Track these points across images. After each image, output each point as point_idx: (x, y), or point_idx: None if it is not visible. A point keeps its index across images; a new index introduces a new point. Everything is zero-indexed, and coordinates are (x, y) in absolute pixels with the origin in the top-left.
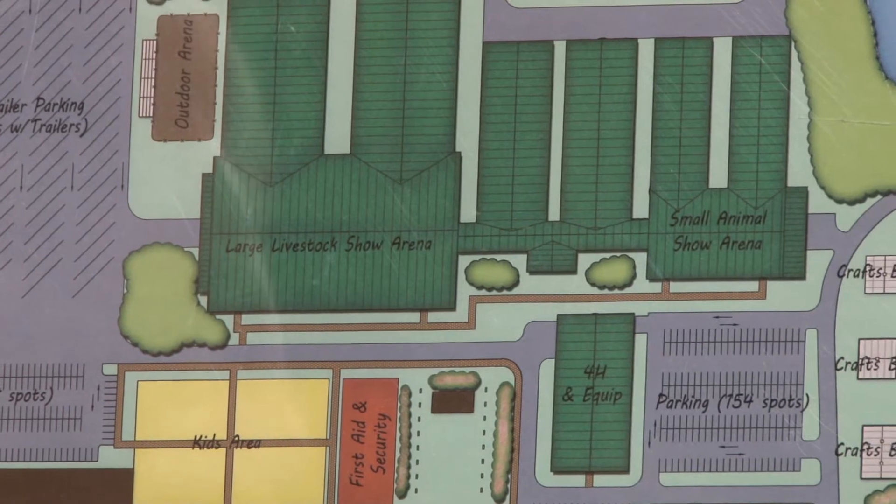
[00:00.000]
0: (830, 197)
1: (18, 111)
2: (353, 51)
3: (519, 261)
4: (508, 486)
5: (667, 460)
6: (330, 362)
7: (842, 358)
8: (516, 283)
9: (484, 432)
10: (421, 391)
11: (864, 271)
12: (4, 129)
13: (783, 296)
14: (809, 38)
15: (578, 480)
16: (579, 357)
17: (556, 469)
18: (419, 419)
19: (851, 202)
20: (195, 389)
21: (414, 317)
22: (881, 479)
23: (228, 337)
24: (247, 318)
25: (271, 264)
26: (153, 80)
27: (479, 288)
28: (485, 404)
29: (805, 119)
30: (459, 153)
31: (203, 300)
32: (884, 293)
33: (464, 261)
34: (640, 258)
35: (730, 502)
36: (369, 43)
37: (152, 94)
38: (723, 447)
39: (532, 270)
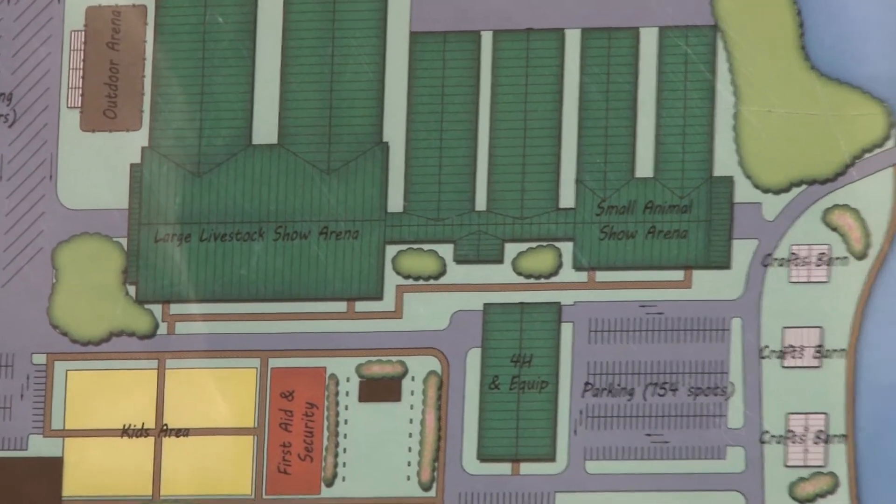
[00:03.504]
0: (756, 186)
1: None
2: (281, 41)
3: (446, 250)
4: (435, 474)
5: (593, 448)
6: (258, 351)
7: (766, 346)
8: (443, 272)
9: (411, 421)
10: (348, 380)
11: (789, 260)
12: None
13: (708, 285)
14: (735, 28)
15: (505, 468)
16: (506, 346)
17: (483, 457)
18: (346, 408)
19: (776, 192)
20: (124, 378)
21: (341, 306)
22: (805, 466)
23: (157, 326)
24: (175, 308)
25: (199, 254)
26: (81, 71)
27: (406, 277)
28: (412, 393)
29: (731, 109)
30: (387, 143)
31: (132, 290)
32: (808, 282)
33: (391, 250)
34: (567, 248)
35: (655, 490)
36: (297, 34)
37: (81, 85)
38: (648, 435)
39: (459, 260)
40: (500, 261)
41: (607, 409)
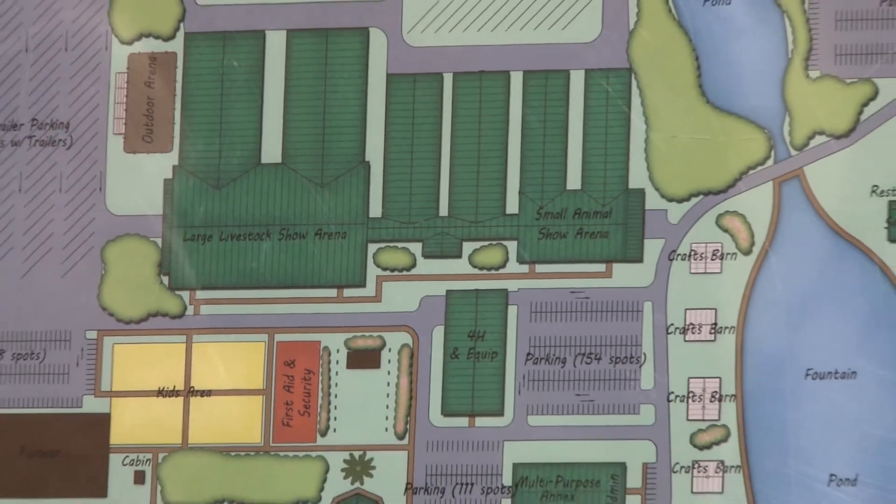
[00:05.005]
0: (663, 197)
1: (17, 129)
2: (284, 81)
3: (416, 248)
4: (408, 426)
5: (533, 405)
6: (266, 328)
7: (672, 324)
8: (414, 265)
9: (388, 384)
10: (338, 351)
11: (690, 256)
12: (6, 143)
13: (625, 275)
14: (646, 70)
15: (463, 422)
16: (464, 324)
17: (446, 413)
18: (337, 373)
19: (679, 201)
20: (159, 350)
21: (332, 292)
22: (703, 420)
23: (185, 308)
24: (200, 294)
25: (219, 251)
26: (124, 105)
27: (384, 269)
28: (389, 362)
29: (643, 135)
30: (368, 162)
31: (165, 279)
32: (705, 273)
33: (372, 248)
34: (512, 245)
35: (583, 439)
36: (296, 75)
37: (124, 116)
38: (578, 395)
39: (426, 255)
40: (459, 256)
41: (545, 374)
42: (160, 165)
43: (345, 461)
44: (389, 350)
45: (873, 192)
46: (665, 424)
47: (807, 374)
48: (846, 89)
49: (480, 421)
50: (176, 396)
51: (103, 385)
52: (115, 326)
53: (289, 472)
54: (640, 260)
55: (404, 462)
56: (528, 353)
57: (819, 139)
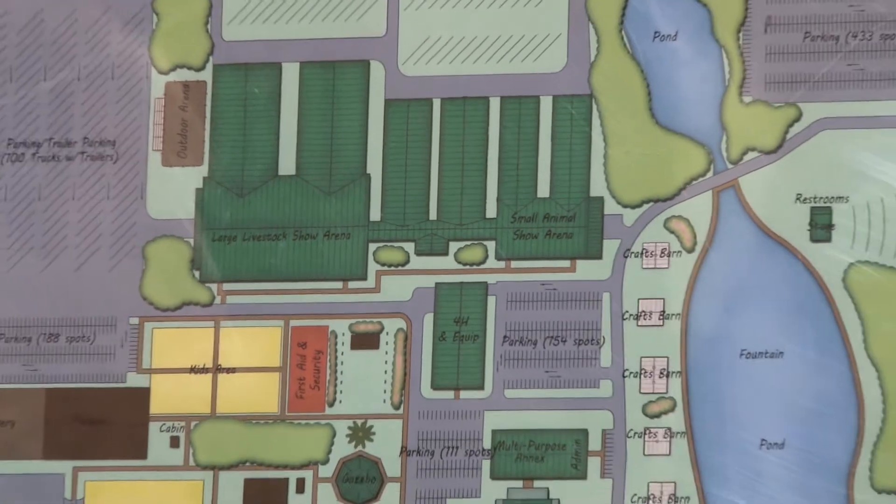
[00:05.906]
0: (619, 203)
1: (71, 146)
2: (298, 105)
3: (409, 247)
4: (402, 398)
5: (509, 380)
6: (282, 315)
7: (626, 311)
8: (408, 261)
9: (386, 362)
10: (343, 334)
11: (642, 253)
12: (62, 158)
13: (587, 270)
14: (605, 96)
15: (449, 395)
16: (450, 311)
17: (435, 387)
18: (342, 353)
19: (633, 207)
20: (191, 334)
21: (339, 285)
22: (653, 393)
23: (214, 298)
24: (226, 286)
25: (242, 250)
26: (162, 126)
27: (383, 265)
28: (387, 343)
29: (602, 151)
30: (369, 174)
31: (196, 274)
32: (655, 268)
33: (372, 247)
34: (491, 245)
35: (552, 409)
36: (308, 100)
37: (162, 135)
38: (547, 372)
39: (418, 253)
40: (446, 254)
41: (519, 354)
42: (192, 177)
43: (349, 428)
44: (387, 333)
45: (797, 199)
46: (621, 397)
47: (741, 354)
48: (774, 112)
49: (464, 394)
50: (206, 373)
51: (144, 363)
52: (154, 314)
53: (301, 437)
54: (599, 257)
55: (399, 428)
56: (505, 336)
57: (751, 154)
